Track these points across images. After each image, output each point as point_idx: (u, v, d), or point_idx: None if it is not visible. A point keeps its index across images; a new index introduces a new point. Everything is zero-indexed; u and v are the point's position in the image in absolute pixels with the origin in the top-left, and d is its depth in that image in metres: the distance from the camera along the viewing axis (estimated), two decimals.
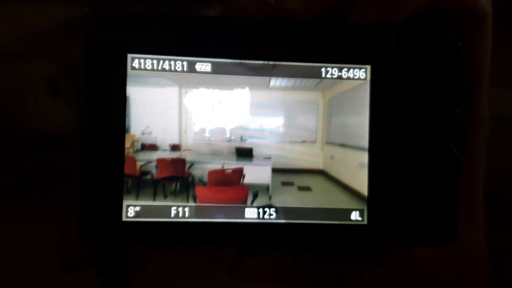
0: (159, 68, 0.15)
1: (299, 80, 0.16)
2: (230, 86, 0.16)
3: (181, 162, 0.15)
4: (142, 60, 0.15)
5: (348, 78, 0.16)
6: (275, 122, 0.16)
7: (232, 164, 0.16)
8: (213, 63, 0.16)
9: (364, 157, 0.16)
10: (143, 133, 0.15)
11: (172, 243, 0.16)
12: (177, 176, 0.16)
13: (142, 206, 0.15)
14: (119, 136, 0.15)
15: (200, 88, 0.16)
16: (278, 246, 0.16)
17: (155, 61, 0.15)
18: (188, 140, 0.16)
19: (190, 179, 0.16)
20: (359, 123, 0.16)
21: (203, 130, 0.16)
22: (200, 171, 0.16)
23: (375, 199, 0.16)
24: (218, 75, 0.16)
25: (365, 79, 0.16)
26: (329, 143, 0.16)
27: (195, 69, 0.15)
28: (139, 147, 0.15)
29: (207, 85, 0.16)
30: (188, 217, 0.16)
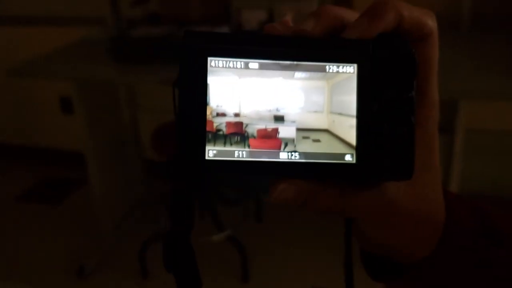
0: (227, 66, 0.25)
1: (312, 73, 0.25)
2: (270, 76, 0.25)
3: (240, 124, 0.25)
4: (216, 61, 0.25)
5: (343, 72, 0.25)
6: (298, 99, 0.25)
7: (271, 125, 0.25)
8: (259, 63, 0.25)
9: (353, 121, 0.25)
10: (217, 106, 0.25)
11: (235, 173, 0.25)
12: (238, 132, 0.25)
13: (217, 150, 0.25)
14: (203, 108, 0.25)
15: (251, 78, 0.25)
16: (299, 176, 0.25)
17: (224, 62, 0.25)
18: (245, 110, 0.25)
19: (245, 134, 0.25)
20: (350, 100, 0.25)
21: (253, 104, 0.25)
22: (252, 129, 0.25)
23: (360, 148, 0.25)
24: (263, 70, 0.25)
25: (353, 72, 0.26)
26: (331, 112, 0.25)
27: (248, 66, 0.25)
28: (215, 114, 0.25)
29: (256, 76, 0.25)
30: (244, 157, 0.25)
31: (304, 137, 0.26)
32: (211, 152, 0.25)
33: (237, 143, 0.25)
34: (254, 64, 0.25)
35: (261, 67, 0.25)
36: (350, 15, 0.27)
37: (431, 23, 0.27)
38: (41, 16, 2.51)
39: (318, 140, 0.26)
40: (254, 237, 2.20)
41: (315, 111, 0.26)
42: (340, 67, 0.26)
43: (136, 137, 2.42)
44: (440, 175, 0.30)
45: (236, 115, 0.25)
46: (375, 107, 0.26)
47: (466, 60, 1.58)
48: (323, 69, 0.26)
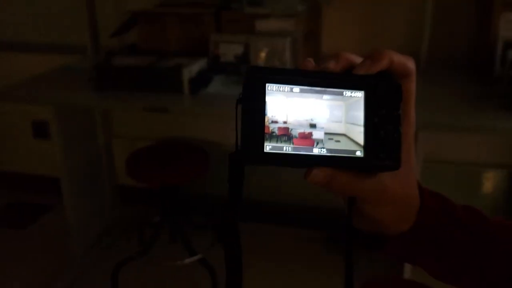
0: (278, 90, 0.36)
1: (335, 96, 0.37)
2: (307, 97, 0.37)
3: (287, 128, 0.37)
4: (271, 86, 0.36)
5: (355, 96, 0.37)
6: (325, 113, 0.37)
7: (308, 130, 0.37)
8: (300, 88, 0.37)
9: (361, 129, 0.38)
10: (272, 116, 0.36)
11: (284, 165, 0.36)
12: (285, 134, 0.36)
13: (272, 146, 0.36)
14: (262, 117, 0.36)
15: (294, 98, 0.36)
16: (326, 165, 0.36)
17: (276, 87, 0.36)
18: (290, 119, 0.36)
19: (290, 135, 0.37)
20: (359, 114, 0.37)
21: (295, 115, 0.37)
22: (295, 132, 0.37)
23: (366, 146, 0.37)
24: (302, 93, 0.36)
25: (361, 96, 0.38)
26: (347, 122, 0.37)
27: (292, 90, 0.36)
28: (270, 121, 0.37)
29: (298, 97, 0.36)
30: (290, 151, 0.36)
31: (329, 139, 0.38)
32: (268, 147, 0.37)
33: (284, 141, 0.37)
34: (296, 89, 0.38)
35: (301, 91, 0.38)
36: (356, 58, 0.39)
37: (411, 65, 0.40)
38: (21, 43, 2.56)
39: (338, 141, 0.38)
40: (223, 263, 2.26)
41: (336, 121, 0.38)
42: (353, 92, 0.39)
43: (110, 163, 2.47)
44: (414, 172, 0.42)
45: (284, 122, 0.37)
46: (376, 120, 0.38)
47: (424, 95, 1.74)
48: (341, 94, 0.38)
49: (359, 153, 0.38)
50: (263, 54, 1.90)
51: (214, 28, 2.03)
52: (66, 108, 2.07)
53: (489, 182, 2.32)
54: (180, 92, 1.75)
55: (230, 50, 1.94)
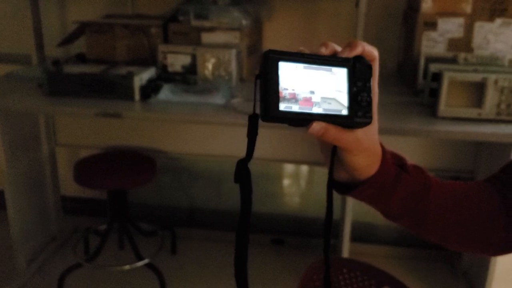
0: (287, 66, 0.50)
1: (327, 71, 0.52)
2: (309, 71, 0.51)
3: (294, 93, 0.50)
4: (283, 64, 0.49)
5: (340, 72, 0.52)
6: (321, 83, 0.52)
7: (309, 95, 0.51)
8: (303, 65, 0.51)
9: (345, 95, 0.51)
10: (284, 85, 0.49)
11: (292, 118, 0.49)
12: (293, 98, 0.50)
13: (285, 106, 0.49)
14: (277, 85, 0.49)
15: (300, 71, 0.51)
16: (322, 120, 0.51)
17: (286, 64, 0.50)
18: (296, 87, 0.50)
19: (297, 98, 0.50)
20: (344, 85, 0.52)
21: (300, 84, 0.50)
22: (300, 97, 0.50)
23: (349, 107, 0.51)
24: (305, 69, 0.51)
25: (345, 72, 0.52)
26: (336, 90, 0.52)
27: (297, 67, 0.50)
28: (282, 89, 0.49)
29: (302, 71, 0.50)
30: (297, 110, 0.50)
31: (324, 101, 0.51)
32: (281, 106, 0.50)
33: (293, 103, 0.50)
34: (300, 66, 0.51)
35: (304, 68, 0.51)
36: (338, 47, 0.53)
37: (376, 53, 0.54)
38: None
39: (330, 103, 0.52)
40: (170, 268, 2.31)
41: (328, 89, 0.52)
42: (339, 69, 0.53)
43: (54, 172, 2.47)
44: (377, 129, 0.56)
45: (292, 89, 0.50)
46: (355, 89, 0.52)
47: None
48: (330, 70, 0.52)
49: (344, 112, 0.52)
50: (209, 65, 2.02)
51: (161, 40, 2.12)
52: (10, 116, 2.07)
53: None
54: (131, 99, 1.82)
55: (177, 61, 2.04)
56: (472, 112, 1.69)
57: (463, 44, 1.94)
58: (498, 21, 1.89)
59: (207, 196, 2.70)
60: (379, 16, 2.25)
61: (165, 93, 1.85)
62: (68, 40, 2.19)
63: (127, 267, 2.20)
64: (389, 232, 2.54)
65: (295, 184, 2.66)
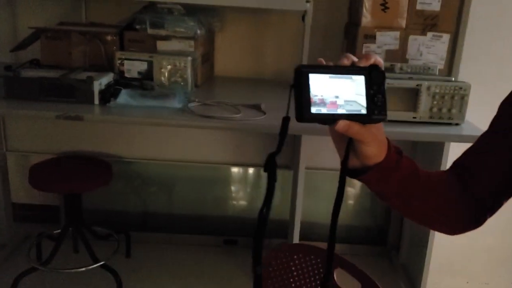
0: (316, 77, 0.65)
1: (348, 79, 0.68)
2: (333, 80, 0.67)
3: (322, 99, 0.66)
4: (312, 75, 0.64)
5: (358, 79, 0.68)
6: (343, 89, 0.68)
7: (334, 99, 0.68)
8: (329, 76, 0.66)
9: (364, 97, 0.68)
10: (314, 92, 0.65)
11: (321, 121, 0.66)
12: (322, 102, 0.66)
13: (315, 109, 0.65)
14: (308, 92, 0.64)
15: (326, 81, 0.66)
16: (345, 119, 0.66)
17: (315, 75, 0.65)
18: (324, 94, 0.67)
19: (325, 102, 0.66)
20: (362, 89, 0.69)
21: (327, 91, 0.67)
22: (327, 101, 0.67)
23: (367, 107, 0.67)
24: (331, 78, 0.66)
25: (363, 78, 0.68)
26: (356, 94, 0.68)
27: (324, 77, 0.66)
28: (313, 95, 0.65)
29: (328, 80, 0.67)
30: (325, 112, 0.66)
31: (346, 103, 0.66)
32: (313, 109, 0.64)
33: (321, 106, 0.64)
34: (326, 76, 0.65)
35: (329, 77, 0.65)
36: (355, 58, 0.68)
37: (382, 63, 0.69)
38: None
39: (351, 105, 0.66)
40: (125, 270, 2.35)
41: (350, 93, 0.67)
42: (358, 77, 0.67)
43: (5, 179, 2.45)
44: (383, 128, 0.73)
45: (321, 95, 0.64)
46: (371, 92, 0.67)
47: None
48: (351, 78, 0.67)
49: (363, 111, 0.68)
50: (165, 71, 2.11)
51: (117, 47, 2.19)
52: None
53: (357, 186, 2.73)
54: (91, 103, 1.88)
55: (134, 67, 2.11)
56: (408, 116, 1.88)
57: (399, 55, 2.14)
58: (430, 35, 2.11)
59: (160, 200, 2.76)
60: (323, 29, 2.43)
61: (124, 97, 1.92)
62: (22, 45, 2.21)
63: (82, 269, 2.23)
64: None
65: (244, 186, 2.77)
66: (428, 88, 1.83)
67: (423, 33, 2.12)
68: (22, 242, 2.57)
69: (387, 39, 2.13)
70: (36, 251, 2.40)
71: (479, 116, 1.93)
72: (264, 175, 2.71)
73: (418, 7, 2.10)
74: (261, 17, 2.48)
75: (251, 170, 2.71)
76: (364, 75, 0.67)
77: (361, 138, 0.69)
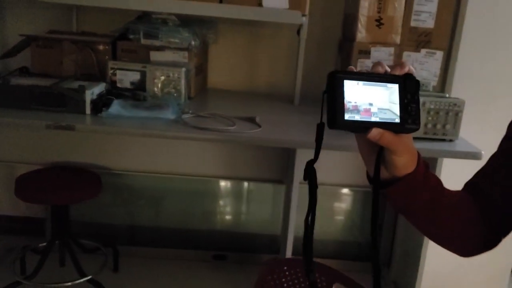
0: (351, 83, 0.64)
1: (382, 87, 0.67)
2: (367, 87, 0.66)
3: (356, 105, 0.65)
4: (347, 81, 0.63)
5: (393, 87, 0.67)
6: (377, 97, 0.67)
7: (368, 106, 0.67)
8: (363, 82, 0.65)
9: (397, 106, 0.67)
10: (348, 98, 0.63)
11: (353, 129, 0.64)
12: (356, 109, 0.65)
13: (348, 116, 0.63)
14: (342, 99, 0.62)
15: (360, 87, 0.65)
16: (379, 127, 0.65)
17: (350, 81, 0.63)
18: (358, 100, 0.66)
19: (359, 109, 0.65)
20: (396, 97, 0.67)
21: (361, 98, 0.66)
22: (361, 108, 0.66)
23: (401, 116, 0.65)
24: (365, 85, 0.65)
25: (397, 87, 0.66)
26: (389, 102, 0.67)
27: (358, 84, 0.65)
28: (347, 102, 0.64)
29: (362, 87, 0.66)
30: (359, 119, 0.64)
31: (380, 111, 0.64)
32: (346, 116, 0.62)
33: (355, 113, 0.63)
34: (361, 83, 0.64)
35: (363, 84, 0.64)
36: (387, 67, 0.67)
37: (415, 71, 0.68)
38: None
39: (385, 113, 0.65)
40: (112, 285, 2.29)
41: (383, 101, 0.65)
42: (392, 85, 0.66)
43: None
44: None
45: (355, 102, 0.63)
46: (405, 101, 0.66)
47: (299, 123, 2.07)
48: (385, 86, 0.65)
49: (397, 120, 0.66)
50: (159, 82, 2.08)
51: (109, 56, 2.16)
52: None
53: (346, 200, 2.71)
54: (83, 112, 1.84)
55: (127, 77, 2.08)
56: None
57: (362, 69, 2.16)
58: (423, 51, 2.13)
59: (148, 213, 2.71)
60: (316, 44, 2.43)
61: (116, 107, 1.88)
62: (12, 52, 2.17)
63: (68, 284, 2.16)
64: (326, 246, 2.68)
65: (234, 200, 2.73)
66: (423, 104, 1.83)
67: (417, 49, 2.13)
68: (5, 255, 2.49)
69: (382, 55, 2.14)
70: (20, 265, 2.33)
71: (470, 133, 1.94)
72: (254, 189, 2.70)
73: (412, 24, 2.12)
74: (255, 30, 2.48)
75: (243, 184, 2.68)
76: (399, 84, 0.66)
77: (393, 147, 0.67)
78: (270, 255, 2.70)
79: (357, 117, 0.63)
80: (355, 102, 0.63)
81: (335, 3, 2.39)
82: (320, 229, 2.56)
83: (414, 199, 0.74)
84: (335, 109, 0.62)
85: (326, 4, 2.39)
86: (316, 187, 0.71)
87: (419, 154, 0.73)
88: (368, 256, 2.78)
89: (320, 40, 2.44)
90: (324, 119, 0.65)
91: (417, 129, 0.66)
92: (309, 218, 0.71)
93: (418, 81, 0.67)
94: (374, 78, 0.65)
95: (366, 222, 2.75)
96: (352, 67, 0.66)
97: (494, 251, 0.76)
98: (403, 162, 0.70)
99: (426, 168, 0.74)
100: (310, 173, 0.70)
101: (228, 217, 2.75)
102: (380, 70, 0.67)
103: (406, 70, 0.67)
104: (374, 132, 0.64)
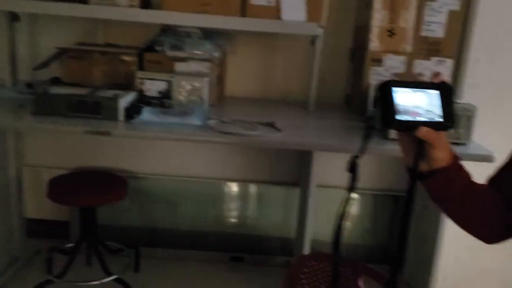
0: (399, 90, 0.80)
1: (425, 93, 0.83)
2: (414, 93, 0.84)
3: (405, 107, 0.80)
4: (395, 88, 0.78)
5: (434, 92, 0.82)
6: (423, 101, 0.84)
7: (415, 109, 0.84)
8: (411, 89, 0.81)
9: (439, 108, 0.82)
10: (397, 101, 0.79)
11: (405, 125, 0.78)
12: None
13: (400, 116, 0.78)
14: (393, 102, 0.77)
15: (408, 93, 0.82)
16: (425, 125, 0.80)
17: (398, 88, 0.78)
18: (406, 103, 0.82)
19: (407, 111, 0.81)
20: (438, 102, 0.84)
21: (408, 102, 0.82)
22: (410, 109, 0.83)
23: (443, 116, 0.81)
24: (411, 91, 0.82)
25: (438, 93, 0.82)
26: (432, 105, 0.84)
27: (405, 90, 0.80)
28: (396, 105, 0.79)
29: (409, 93, 0.82)
30: (408, 119, 0.80)
31: (427, 113, 0.79)
32: (398, 116, 0.76)
33: (405, 114, 0.77)
34: (408, 89, 0.78)
35: (411, 90, 0.78)
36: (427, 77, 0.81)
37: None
38: None
39: (429, 114, 0.79)
40: (134, 285, 2.39)
41: (427, 104, 0.80)
42: (433, 91, 0.81)
43: (20, 194, 2.49)
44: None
45: (403, 105, 0.77)
46: (444, 103, 0.80)
47: (315, 127, 2.19)
48: (426, 91, 0.80)
49: (440, 119, 0.80)
50: (184, 91, 2.20)
51: (136, 67, 2.28)
52: None
53: (358, 205, 2.81)
54: (116, 119, 1.96)
55: (154, 86, 2.20)
56: None
57: (405, 78, 2.27)
58: (434, 59, 2.25)
59: (169, 216, 2.82)
60: (329, 53, 2.56)
61: (147, 114, 2.01)
62: (45, 64, 2.29)
63: (96, 282, 2.27)
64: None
65: (248, 203, 2.84)
66: None
67: (427, 58, 2.26)
68: (33, 256, 2.60)
69: (394, 63, 2.27)
70: (48, 265, 2.43)
71: (480, 137, 2.05)
72: (267, 191, 2.79)
73: (423, 33, 2.25)
74: (270, 41, 2.61)
75: (257, 187, 2.78)
76: (438, 89, 0.81)
77: (436, 143, 0.81)
78: (283, 257, 2.80)
79: (406, 118, 0.77)
80: (404, 105, 0.77)
81: (347, 14, 2.53)
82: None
83: (450, 189, 0.86)
84: (389, 111, 0.77)
85: (339, 16, 2.52)
86: (357, 180, 0.87)
87: (453, 150, 0.86)
88: (379, 259, 2.88)
89: (332, 50, 2.56)
90: (372, 122, 0.81)
91: (453, 127, 0.81)
92: (346, 203, 0.88)
93: (452, 87, 0.81)
94: (418, 85, 0.80)
95: (377, 225, 2.86)
96: (422, 75, 0.83)
97: (507, 254, 0.88)
98: (441, 156, 0.83)
99: (460, 162, 0.86)
100: (353, 167, 0.86)
101: (242, 219, 2.85)
102: (422, 78, 0.82)
103: (441, 79, 0.82)
104: (424, 130, 0.79)
